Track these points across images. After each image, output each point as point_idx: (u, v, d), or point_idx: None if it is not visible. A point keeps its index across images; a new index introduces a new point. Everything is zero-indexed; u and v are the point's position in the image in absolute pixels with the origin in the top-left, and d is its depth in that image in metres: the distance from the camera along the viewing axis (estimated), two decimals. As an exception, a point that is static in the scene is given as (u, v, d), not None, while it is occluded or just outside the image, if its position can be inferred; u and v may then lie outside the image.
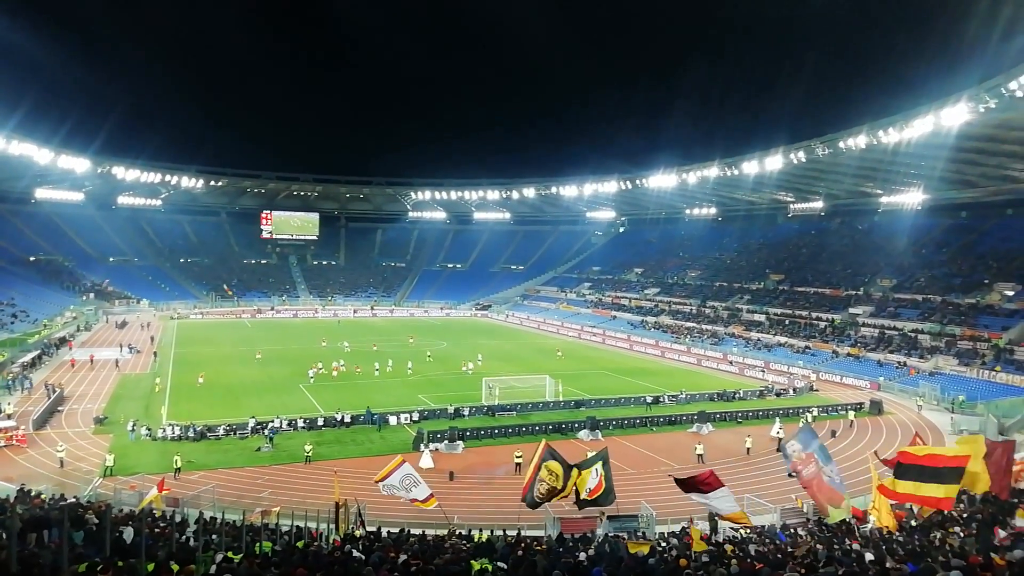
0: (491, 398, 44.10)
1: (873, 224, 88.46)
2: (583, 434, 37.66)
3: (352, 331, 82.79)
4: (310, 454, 32.07)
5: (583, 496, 19.97)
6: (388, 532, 19.57)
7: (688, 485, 20.07)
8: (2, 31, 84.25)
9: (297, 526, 21.64)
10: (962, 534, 16.69)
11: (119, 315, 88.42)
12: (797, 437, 23.45)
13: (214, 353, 62.98)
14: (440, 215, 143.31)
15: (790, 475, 20.82)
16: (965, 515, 19.35)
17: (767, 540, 19.19)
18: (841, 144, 61.91)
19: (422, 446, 33.48)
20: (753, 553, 16.01)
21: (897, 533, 18.35)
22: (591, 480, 19.93)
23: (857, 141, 59.86)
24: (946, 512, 18.70)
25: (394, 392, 47.95)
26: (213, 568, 9.85)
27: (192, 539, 16.15)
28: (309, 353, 61.91)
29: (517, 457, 31.22)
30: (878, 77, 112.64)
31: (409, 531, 19.86)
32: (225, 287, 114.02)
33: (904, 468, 17.79)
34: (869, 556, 13.84)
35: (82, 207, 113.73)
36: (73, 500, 21.87)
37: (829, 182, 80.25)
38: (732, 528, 22.66)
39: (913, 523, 20.17)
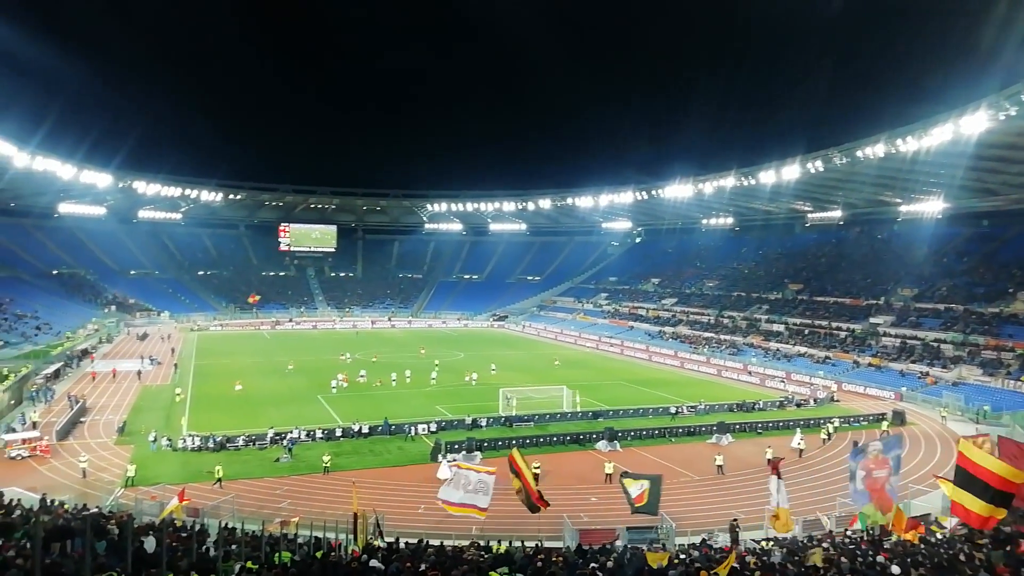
0: (508, 409, 44.03)
1: (893, 233, 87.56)
2: (601, 445, 37.46)
3: (370, 342, 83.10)
4: (328, 465, 32.16)
5: (633, 501, 21.81)
6: (406, 543, 19.56)
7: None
8: (26, 49, 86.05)
9: (316, 536, 21.70)
10: (989, 546, 16.39)
11: (140, 327, 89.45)
12: (883, 440, 23.72)
13: (234, 365, 63.49)
14: (456, 226, 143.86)
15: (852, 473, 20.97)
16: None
17: (788, 552, 18.96)
18: (859, 153, 61.47)
19: (440, 457, 33.47)
20: (776, 565, 15.83)
21: (921, 545, 18.05)
22: (634, 489, 21.74)
23: (875, 150, 59.42)
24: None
25: (411, 403, 48.01)
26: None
27: (212, 549, 16.23)
28: (329, 364, 62.27)
29: (535, 468, 31.09)
30: (896, 85, 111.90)
31: (428, 542, 19.84)
32: (250, 297, 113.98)
33: (962, 474, 16.90)
34: (895, 570, 13.64)
35: (104, 221, 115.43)
36: (95, 510, 22.07)
37: (847, 191, 79.65)
38: (753, 540, 22.45)
39: (939, 536, 19.86)
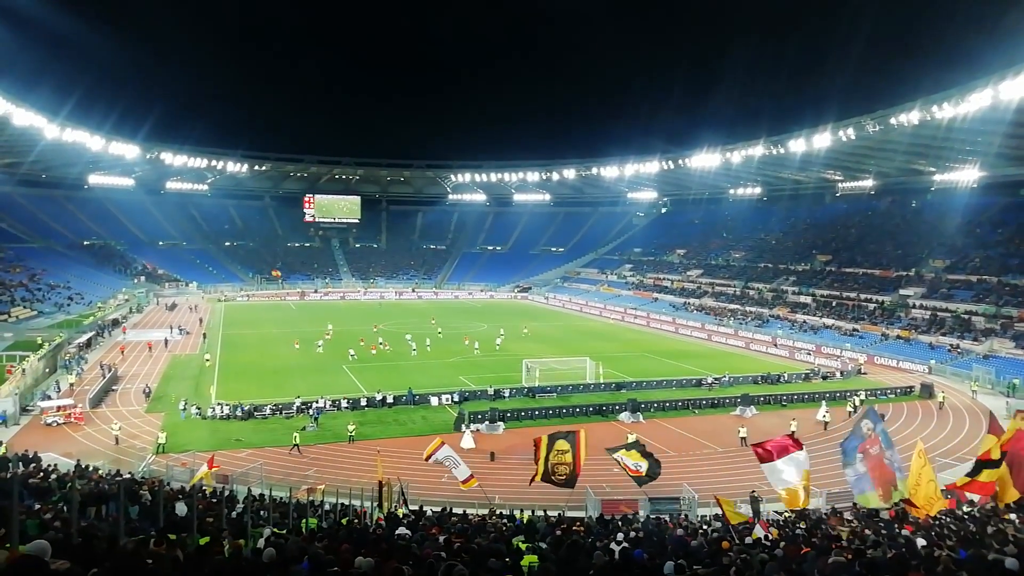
0: (531, 379, 44.18)
1: (925, 203, 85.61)
2: (624, 416, 37.51)
3: (395, 313, 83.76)
4: (353, 434, 32.62)
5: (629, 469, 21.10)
6: (431, 511, 19.83)
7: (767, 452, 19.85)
8: (55, 21, 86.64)
9: (342, 503, 22.07)
10: (1017, 522, 16.17)
11: (169, 297, 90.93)
12: (869, 417, 22.93)
13: (262, 335, 64.46)
14: (480, 197, 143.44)
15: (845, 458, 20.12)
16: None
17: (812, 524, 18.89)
18: (892, 120, 59.89)
19: (463, 427, 33.78)
20: (799, 536, 15.78)
21: (948, 519, 17.88)
22: (632, 463, 20.96)
23: (909, 117, 57.84)
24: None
25: (435, 373, 48.37)
26: (261, 543, 10.08)
27: (241, 515, 16.58)
28: (355, 333, 62.89)
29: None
30: (932, 50, 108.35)
31: (451, 510, 20.10)
32: (274, 270, 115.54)
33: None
34: (921, 542, 13.52)
35: (133, 192, 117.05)
36: (128, 476, 22.65)
37: (879, 160, 77.89)
38: (776, 512, 22.40)
39: (966, 511, 19.64)
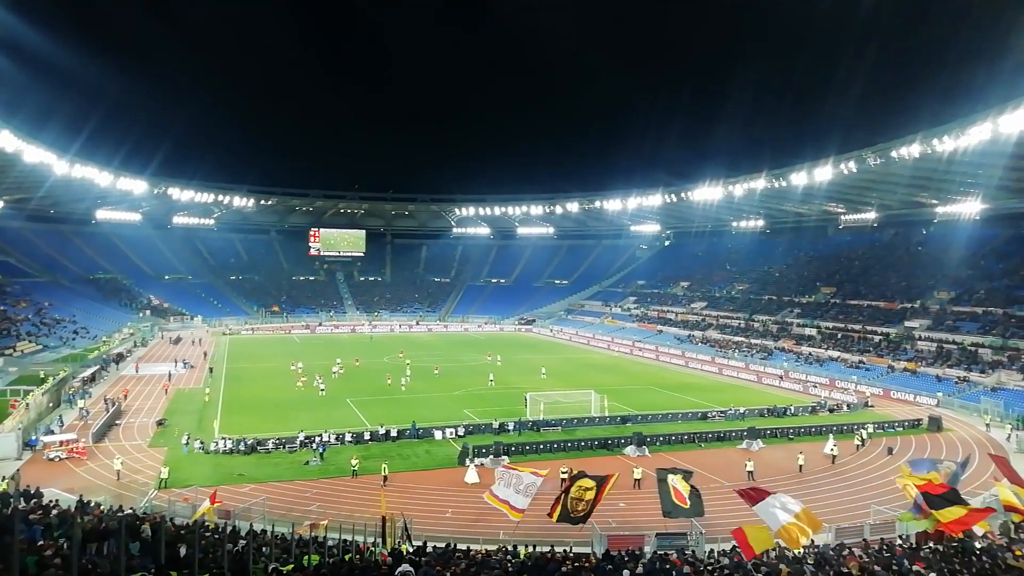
0: (536, 413, 43.92)
1: (928, 235, 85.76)
2: (630, 450, 37.19)
3: (388, 346, 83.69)
4: (357, 468, 32.37)
5: (676, 502, 21.54)
6: (434, 547, 19.59)
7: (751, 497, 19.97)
8: (65, 59, 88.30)
9: (345, 539, 21.82)
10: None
11: (174, 331, 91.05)
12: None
13: (264, 368, 64.34)
14: (484, 230, 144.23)
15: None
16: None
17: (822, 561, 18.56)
18: (893, 153, 60.27)
19: (467, 461, 33.50)
20: (808, 573, 15.53)
21: (957, 552, 17.58)
22: (678, 486, 21.76)
23: (910, 150, 58.20)
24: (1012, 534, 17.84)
25: (439, 406, 48.15)
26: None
27: (243, 551, 16.40)
28: (358, 369, 62.73)
29: (563, 473, 30.92)
30: (931, 83, 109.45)
31: (455, 546, 19.85)
32: (274, 306, 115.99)
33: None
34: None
35: (139, 227, 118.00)
36: (130, 511, 22.45)
37: (881, 192, 78.18)
38: (786, 548, 22.02)
39: (980, 543, 19.30)
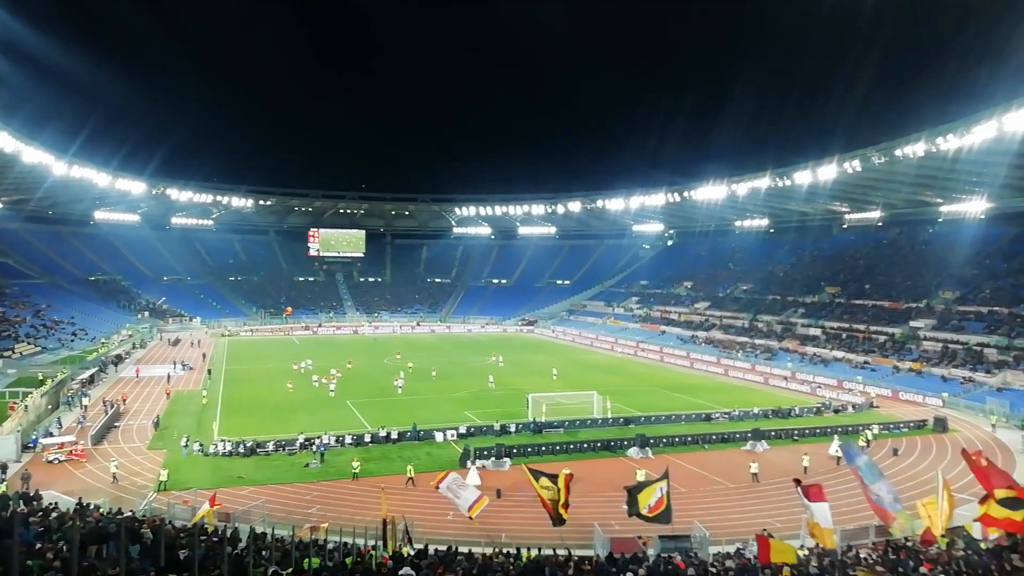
0: (538, 414, 43.60)
1: (933, 234, 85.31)
2: (632, 452, 36.86)
3: (390, 348, 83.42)
4: (357, 470, 32.07)
5: (643, 512, 20.85)
6: (435, 550, 19.31)
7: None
8: (64, 60, 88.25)
9: (345, 542, 21.54)
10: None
11: (172, 333, 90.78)
12: (846, 455, 22.89)
13: (264, 370, 64.08)
14: (485, 231, 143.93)
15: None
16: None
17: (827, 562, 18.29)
18: (898, 152, 60.01)
19: (469, 463, 33.20)
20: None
21: (962, 554, 17.30)
22: (653, 497, 20.98)
23: (915, 149, 57.96)
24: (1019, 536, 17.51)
25: (440, 408, 47.85)
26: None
27: (243, 554, 16.13)
28: (362, 370, 62.42)
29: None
30: (935, 82, 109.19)
31: (457, 549, 19.58)
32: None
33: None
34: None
35: (138, 228, 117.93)
36: (129, 514, 22.18)
37: (886, 191, 77.88)
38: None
39: (983, 546, 19.01)
